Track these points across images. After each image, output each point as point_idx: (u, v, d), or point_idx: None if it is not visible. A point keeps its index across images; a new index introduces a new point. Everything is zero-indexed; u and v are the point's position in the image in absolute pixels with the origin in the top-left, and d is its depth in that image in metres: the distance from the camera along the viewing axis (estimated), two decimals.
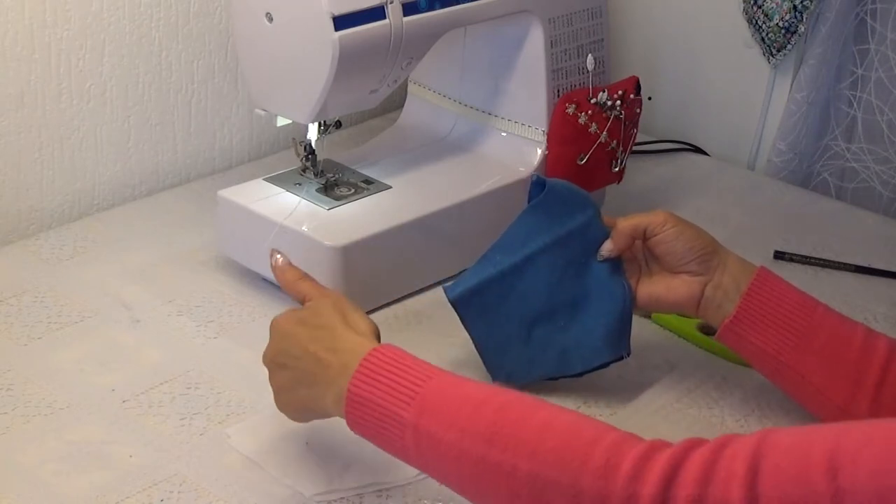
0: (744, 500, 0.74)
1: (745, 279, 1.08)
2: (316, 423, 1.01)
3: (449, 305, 1.15)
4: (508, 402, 0.88)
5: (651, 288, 1.12)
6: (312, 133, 1.31)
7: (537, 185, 1.15)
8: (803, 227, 1.52)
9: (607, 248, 1.12)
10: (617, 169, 1.43)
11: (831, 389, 1.06)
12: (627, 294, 1.12)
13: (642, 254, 1.14)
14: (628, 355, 1.14)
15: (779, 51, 1.62)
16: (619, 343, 1.13)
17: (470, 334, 1.15)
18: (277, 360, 0.99)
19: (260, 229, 1.27)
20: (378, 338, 0.97)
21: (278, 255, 1.08)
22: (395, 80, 1.29)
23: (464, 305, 1.14)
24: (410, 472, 1.01)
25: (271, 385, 1.00)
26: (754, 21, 1.63)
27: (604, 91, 1.40)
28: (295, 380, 0.97)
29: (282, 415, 1.01)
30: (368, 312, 1.26)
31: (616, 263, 1.13)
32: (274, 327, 1.01)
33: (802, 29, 1.59)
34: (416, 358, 0.93)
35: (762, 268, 1.09)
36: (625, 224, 1.12)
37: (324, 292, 1.02)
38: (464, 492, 0.88)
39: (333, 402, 0.93)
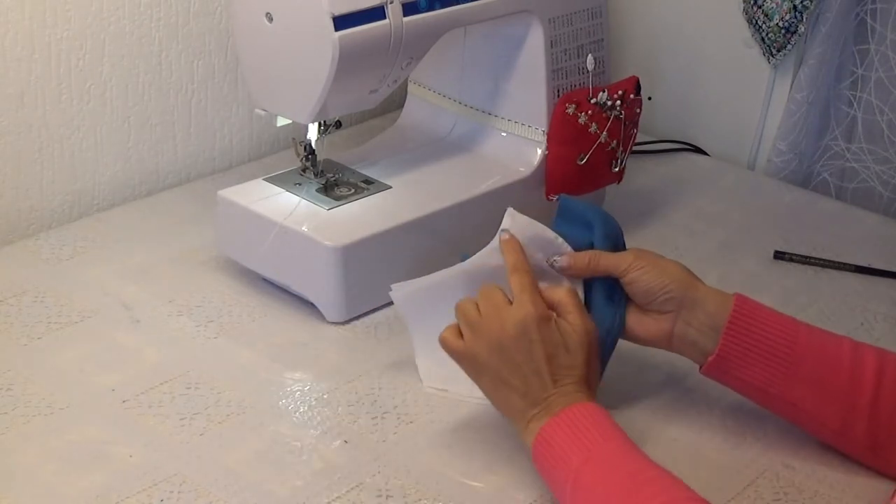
0: None
1: (723, 313, 1.06)
2: None
3: None
4: (660, 492, 0.91)
5: (628, 322, 1.11)
6: (312, 133, 1.31)
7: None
8: (803, 227, 1.52)
9: (562, 261, 1.10)
10: (617, 169, 1.43)
11: (825, 415, 1.05)
12: (616, 324, 1.11)
13: None
14: None
15: (779, 51, 1.62)
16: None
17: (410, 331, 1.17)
18: (500, 352, 1.01)
19: (260, 229, 1.27)
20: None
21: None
22: (395, 80, 1.29)
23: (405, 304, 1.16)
24: None
25: (475, 357, 1.03)
26: (754, 21, 1.63)
27: (604, 91, 1.40)
28: (513, 384, 1.01)
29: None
30: (368, 312, 1.27)
31: (619, 291, 1.11)
32: (522, 320, 1.01)
33: (802, 29, 1.59)
34: (611, 419, 0.99)
35: (738, 298, 1.07)
36: (587, 264, 1.09)
37: (585, 316, 1.04)
38: None
39: (531, 431, 0.99)
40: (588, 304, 1.11)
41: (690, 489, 0.92)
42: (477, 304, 1.04)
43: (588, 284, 1.11)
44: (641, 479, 0.93)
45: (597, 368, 1.05)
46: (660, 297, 1.08)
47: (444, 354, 1.06)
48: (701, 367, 1.09)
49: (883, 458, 1.05)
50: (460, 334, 1.04)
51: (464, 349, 1.04)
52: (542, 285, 1.05)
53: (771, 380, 1.05)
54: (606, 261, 1.09)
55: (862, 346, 1.06)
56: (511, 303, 1.02)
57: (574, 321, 1.02)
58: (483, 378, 1.04)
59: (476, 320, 1.03)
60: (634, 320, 1.10)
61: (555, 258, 1.10)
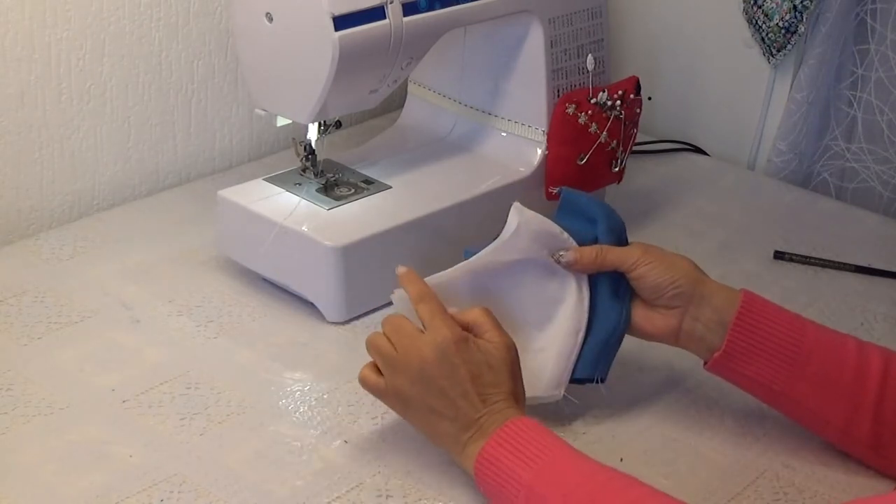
0: None
1: (730, 310, 1.06)
2: None
3: None
4: (611, 480, 0.91)
5: (634, 317, 1.11)
6: (312, 133, 1.31)
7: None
8: (803, 227, 1.52)
9: (569, 256, 1.09)
10: (617, 169, 1.43)
11: (829, 413, 1.05)
12: (622, 319, 1.10)
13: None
14: (602, 381, 1.12)
15: (779, 51, 1.62)
16: (595, 364, 1.11)
17: None
18: (424, 381, 0.99)
19: (260, 229, 1.27)
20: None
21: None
22: (395, 80, 1.29)
23: None
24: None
25: (399, 391, 1.01)
26: (754, 21, 1.63)
27: (604, 91, 1.40)
28: (440, 411, 0.99)
29: None
30: (368, 312, 1.27)
31: (624, 286, 1.11)
32: (440, 344, 0.99)
33: (802, 29, 1.59)
34: (548, 431, 0.97)
35: (746, 294, 1.07)
36: (594, 259, 1.09)
37: (502, 332, 1.02)
38: None
39: (469, 455, 0.98)
40: (593, 300, 1.11)
41: (648, 485, 0.92)
42: (389, 338, 1.02)
43: (592, 281, 1.11)
44: (601, 480, 0.92)
45: (521, 383, 1.03)
46: (668, 292, 1.07)
47: None
48: (706, 363, 1.09)
49: (886, 457, 1.05)
50: (378, 371, 1.03)
51: (385, 386, 1.02)
52: (452, 310, 1.03)
53: (776, 377, 1.05)
54: (613, 255, 1.09)
55: (867, 346, 1.06)
56: (423, 332, 1.01)
57: (493, 338, 1.01)
58: (410, 411, 1.02)
59: (392, 354, 1.01)
60: (641, 316, 1.10)
61: (560, 253, 1.09)
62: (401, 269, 1.05)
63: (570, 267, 1.09)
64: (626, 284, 1.10)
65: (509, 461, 0.95)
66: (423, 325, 1.01)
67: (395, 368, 1.01)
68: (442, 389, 0.99)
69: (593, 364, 1.11)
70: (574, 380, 1.11)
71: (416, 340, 1.00)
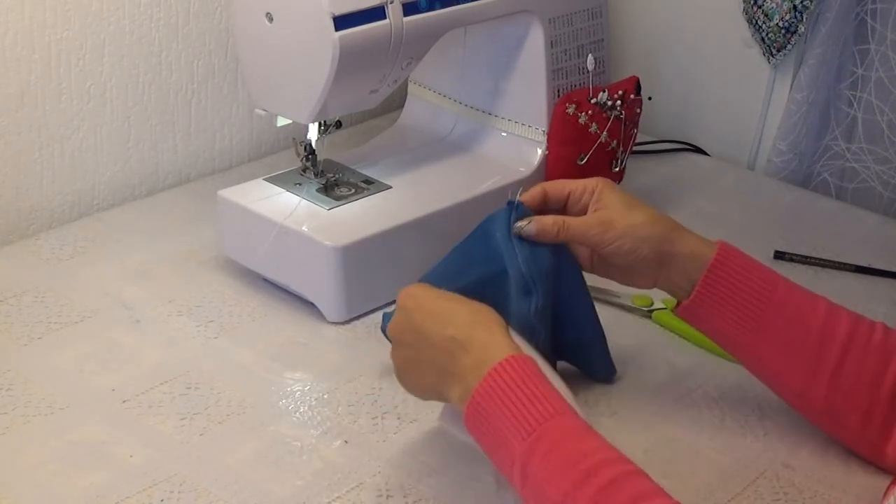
0: None
1: (701, 266, 1.06)
2: None
3: None
4: (617, 479, 0.87)
5: (613, 274, 1.11)
6: (312, 133, 1.31)
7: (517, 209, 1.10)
8: (803, 227, 1.52)
9: (531, 228, 1.07)
10: (617, 169, 1.43)
11: (789, 374, 1.06)
12: (596, 320, 1.12)
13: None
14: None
15: (779, 51, 1.62)
16: (610, 367, 1.16)
17: None
18: (406, 338, 0.99)
19: (260, 229, 1.27)
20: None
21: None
22: (395, 80, 1.29)
23: None
24: None
25: (393, 359, 1.01)
26: (754, 21, 1.63)
27: (604, 91, 1.40)
28: (424, 362, 0.97)
29: None
30: (368, 312, 1.27)
31: (576, 278, 1.11)
32: (405, 297, 0.99)
33: (802, 29, 1.59)
34: (544, 379, 0.92)
35: (721, 247, 1.07)
36: (556, 232, 1.07)
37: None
38: None
39: (459, 397, 0.94)
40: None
41: (631, 462, 0.89)
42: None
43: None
44: (603, 476, 0.87)
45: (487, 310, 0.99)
46: (633, 260, 1.07)
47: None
48: (674, 309, 1.09)
49: (838, 422, 1.06)
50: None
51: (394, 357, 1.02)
52: None
53: (740, 331, 1.06)
54: (574, 230, 1.07)
55: (838, 312, 1.06)
56: None
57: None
58: (411, 379, 1.02)
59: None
60: (620, 276, 1.10)
61: (520, 224, 1.07)
62: None
63: (533, 238, 1.07)
64: (580, 276, 1.11)
65: (499, 420, 0.90)
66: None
67: (392, 342, 1.02)
68: (414, 342, 0.98)
69: (609, 367, 1.17)
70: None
71: (396, 317, 1.01)
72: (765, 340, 1.05)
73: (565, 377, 1.03)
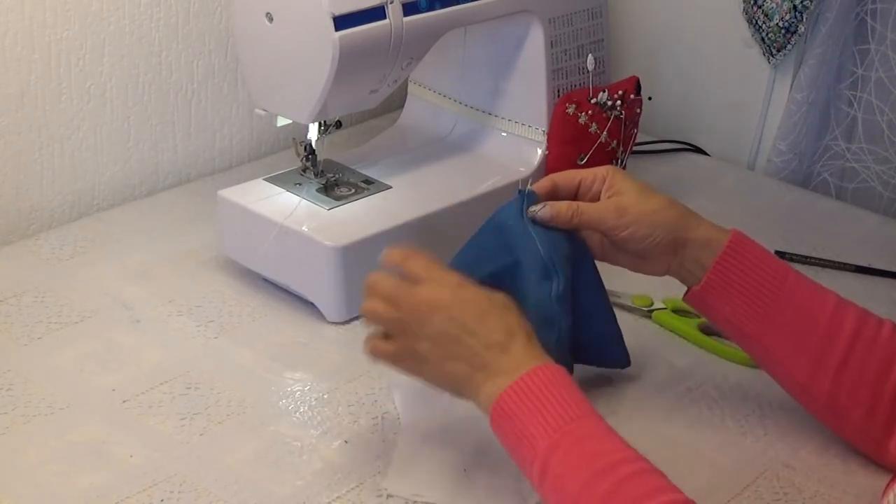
0: None
1: (713, 253, 1.06)
2: (472, 449, 1.04)
3: None
4: (634, 475, 0.88)
5: (623, 261, 1.11)
6: (312, 133, 1.31)
7: (528, 197, 1.10)
8: (803, 227, 1.52)
9: (545, 212, 1.06)
10: None
11: (794, 366, 1.06)
12: (609, 309, 1.12)
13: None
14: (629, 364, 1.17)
15: (779, 51, 1.62)
16: (625, 354, 1.16)
17: None
18: (450, 328, 0.96)
19: (260, 229, 1.27)
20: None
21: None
22: (395, 80, 1.29)
23: None
24: None
25: (413, 346, 0.98)
26: (754, 21, 1.63)
27: (604, 91, 1.40)
28: (459, 355, 0.96)
29: (427, 448, 1.04)
30: None
31: (588, 267, 1.11)
32: (442, 290, 0.98)
33: (802, 29, 1.59)
34: (576, 387, 0.94)
35: (734, 235, 1.07)
36: (570, 217, 1.07)
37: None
38: None
39: (487, 394, 0.94)
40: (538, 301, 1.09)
41: (650, 462, 0.90)
42: (385, 302, 1.00)
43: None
44: (624, 473, 0.89)
45: (527, 322, 1.00)
46: (647, 245, 1.07)
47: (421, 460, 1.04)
48: (684, 295, 1.09)
49: (841, 418, 1.06)
50: (384, 338, 1.01)
51: (400, 349, 0.99)
52: None
53: (748, 320, 1.06)
54: (589, 216, 1.07)
55: (846, 307, 1.06)
56: (416, 284, 0.99)
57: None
58: (426, 367, 0.98)
59: (397, 316, 0.98)
60: (631, 263, 1.10)
61: (533, 209, 1.07)
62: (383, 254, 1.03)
63: (548, 222, 1.07)
64: (592, 264, 1.11)
65: (527, 418, 0.92)
66: (421, 277, 0.99)
67: (406, 327, 0.98)
68: (453, 333, 0.96)
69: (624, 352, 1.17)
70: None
71: (417, 294, 0.98)
72: (772, 330, 1.05)
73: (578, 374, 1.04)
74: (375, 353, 1.01)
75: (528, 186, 1.10)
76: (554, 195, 1.10)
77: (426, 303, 0.98)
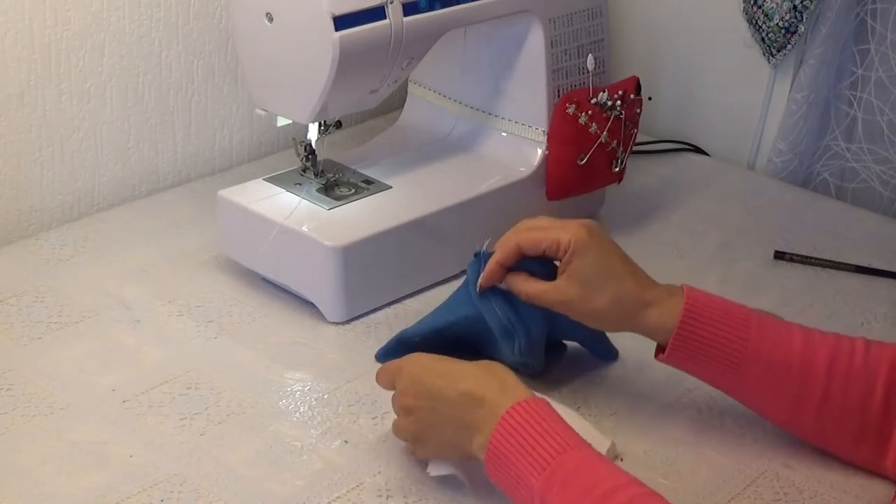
0: None
1: (671, 322, 1.05)
2: None
3: None
4: (633, 500, 0.87)
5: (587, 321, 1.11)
6: (312, 133, 1.31)
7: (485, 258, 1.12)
8: (803, 227, 1.52)
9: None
10: (617, 169, 1.43)
11: (775, 409, 1.07)
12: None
13: None
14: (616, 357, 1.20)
15: (779, 51, 1.62)
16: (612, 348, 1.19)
17: None
18: (420, 403, 0.99)
19: (260, 229, 1.27)
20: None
21: None
22: (396, 80, 1.29)
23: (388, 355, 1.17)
24: None
25: (403, 430, 1.02)
26: (754, 21, 1.63)
27: (604, 91, 1.40)
28: (442, 421, 0.98)
29: None
30: (368, 312, 1.27)
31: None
32: (410, 366, 1.01)
33: (802, 29, 1.59)
34: (557, 418, 0.94)
35: (688, 298, 1.05)
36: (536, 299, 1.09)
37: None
38: None
39: (479, 446, 0.95)
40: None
41: (644, 485, 0.90)
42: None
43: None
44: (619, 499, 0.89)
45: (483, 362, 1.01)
46: (605, 325, 1.11)
47: None
48: (655, 355, 1.09)
49: (831, 446, 1.07)
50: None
51: (407, 429, 1.03)
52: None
53: (721, 380, 1.07)
54: (541, 300, 1.09)
55: (813, 339, 1.04)
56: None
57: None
58: (428, 444, 1.02)
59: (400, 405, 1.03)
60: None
61: (486, 245, 1.10)
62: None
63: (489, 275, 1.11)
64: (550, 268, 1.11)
65: (516, 459, 0.92)
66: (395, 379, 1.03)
67: (400, 421, 1.03)
68: (425, 406, 0.99)
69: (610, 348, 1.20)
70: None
71: (396, 392, 1.03)
72: (747, 383, 1.05)
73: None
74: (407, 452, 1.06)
75: (485, 247, 1.12)
76: (519, 259, 1.10)
77: (397, 394, 1.02)
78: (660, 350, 1.08)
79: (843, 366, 1.03)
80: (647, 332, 1.07)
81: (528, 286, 1.09)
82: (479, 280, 1.11)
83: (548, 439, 0.91)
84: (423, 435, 1.01)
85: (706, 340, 1.04)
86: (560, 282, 1.07)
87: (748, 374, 1.04)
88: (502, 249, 1.10)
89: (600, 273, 1.06)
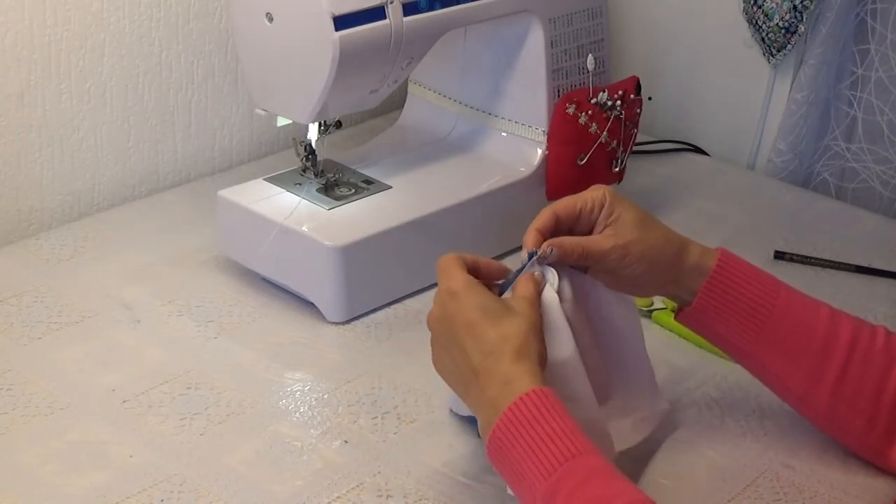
0: None
1: (705, 270, 1.04)
2: None
3: None
4: None
5: (603, 278, 1.06)
6: (312, 133, 1.31)
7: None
8: (803, 227, 1.52)
9: (554, 255, 1.02)
10: (617, 169, 1.43)
11: (792, 381, 1.06)
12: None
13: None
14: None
15: (779, 51, 1.62)
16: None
17: None
18: (441, 339, 0.97)
19: (260, 229, 1.27)
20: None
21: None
22: (396, 80, 1.29)
23: None
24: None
25: (432, 345, 0.99)
26: (754, 21, 1.63)
27: (604, 91, 1.40)
28: (455, 370, 0.96)
29: None
30: (368, 312, 1.27)
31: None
32: (450, 299, 0.96)
33: (802, 29, 1.59)
34: (566, 416, 0.90)
35: (722, 255, 1.05)
36: (580, 254, 1.03)
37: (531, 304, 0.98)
38: None
39: (482, 427, 0.93)
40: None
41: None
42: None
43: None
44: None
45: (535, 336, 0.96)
46: (643, 280, 1.05)
47: None
48: (676, 314, 1.09)
49: (841, 427, 1.07)
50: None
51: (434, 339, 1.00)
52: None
53: (745, 338, 1.06)
54: (594, 254, 1.04)
55: (840, 318, 1.05)
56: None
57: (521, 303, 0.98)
58: (445, 371, 0.99)
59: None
60: (616, 285, 1.07)
61: (545, 250, 1.02)
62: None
63: (558, 261, 1.03)
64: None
65: (520, 458, 0.89)
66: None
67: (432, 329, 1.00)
68: (445, 344, 0.97)
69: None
70: None
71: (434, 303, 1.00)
72: (767, 347, 1.05)
73: None
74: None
75: (540, 249, 1.04)
76: (558, 226, 1.06)
77: (435, 313, 0.98)
78: (681, 309, 1.07)
79: (864, 346, 1.03)
80: (688, 277, 1.05)
81: (579, 239, 1.04)
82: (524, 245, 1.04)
83: (556, 441, 0.88)
84: (438, 363, 0.99)
85: (736, 293, 1.04)
86: (609, 230, 1.05)
87: (771, 335, 1.04)
88: (539, 217, 1.06)
89: (645, 214, 1.07)
